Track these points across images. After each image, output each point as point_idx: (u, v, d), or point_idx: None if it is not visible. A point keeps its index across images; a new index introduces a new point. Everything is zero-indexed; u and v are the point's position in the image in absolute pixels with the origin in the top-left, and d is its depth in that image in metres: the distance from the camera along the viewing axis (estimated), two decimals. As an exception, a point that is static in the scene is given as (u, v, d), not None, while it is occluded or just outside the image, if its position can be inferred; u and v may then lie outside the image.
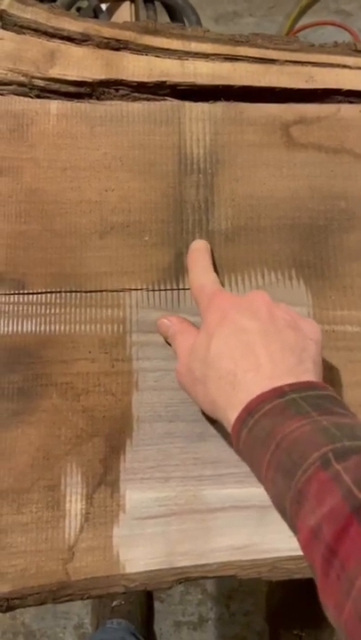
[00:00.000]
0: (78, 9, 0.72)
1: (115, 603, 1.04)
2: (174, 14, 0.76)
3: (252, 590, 1.08)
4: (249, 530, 0.36)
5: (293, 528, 0.27)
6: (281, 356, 0.31)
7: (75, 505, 0.36)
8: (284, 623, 1.03)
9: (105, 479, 0.37)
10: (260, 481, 0.29)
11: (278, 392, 0.29)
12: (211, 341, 0.33)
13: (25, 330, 0.39)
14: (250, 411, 0.29)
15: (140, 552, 0.35)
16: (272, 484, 0.28)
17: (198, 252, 0.40)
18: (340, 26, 1.41)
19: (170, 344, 0.39)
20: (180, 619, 1.08)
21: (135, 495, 0.36)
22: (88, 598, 0.35)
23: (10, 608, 0.35)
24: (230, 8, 1.48)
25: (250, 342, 0.31)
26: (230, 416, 0.30)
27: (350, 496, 0.24)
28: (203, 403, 0.33)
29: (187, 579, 0.35)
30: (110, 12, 0.70)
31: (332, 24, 1.43)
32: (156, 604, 1.08)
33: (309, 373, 0.31)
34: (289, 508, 0.27)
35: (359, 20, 1.48)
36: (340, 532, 0.24)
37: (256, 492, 0.37)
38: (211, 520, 0.36)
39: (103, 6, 0.72)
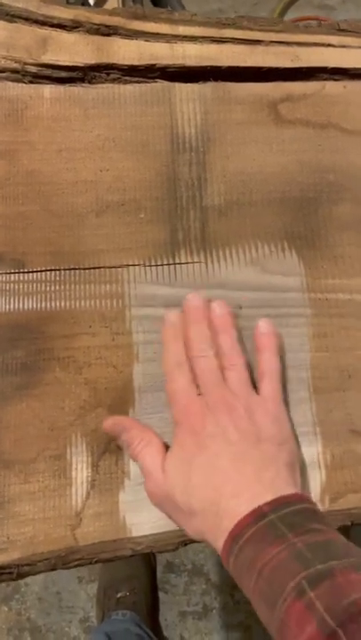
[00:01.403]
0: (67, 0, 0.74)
1: (120, 594, 1.05)
2: (160, 5, 0.77)
3: (255, 578, 1.09)
4: (251, 491, 0.37)
5: None
6: (256, 475, 0.33)
7: (81, 473, 0.37)
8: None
9: (109, 447, 0.38)
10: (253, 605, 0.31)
11: (258, 514, 0.31)
12: (190, 471, 0.34)
13: (26, 307, 0.40)
14: (234, 537, 0.31)
15: (145, 516, 0.36)
16: (260, 612, 0.30)
17: (171, 329, 0.39)
18: (323, 20, 1.44)
19: (120, 447, 0.38)
20: (185, 609, 1.09)
21: (139, 462, 0.37)
22: (97, 562, 0.36)
23: (20, 575, 0.35)
24: (215, 5, 1.50)
25: (226, 469, 0.33)
26: (218, 544, 0.32)
27: (324, 623, 0.26)
28: (189, 530, 0.35)
29: (191, 540, 0.36)
30: (98, 4, 0.72)
31: (316, 19, 1.46)
32: (161, 595, 1.09)
33: (285, 483, 0.33)
34: (275, 637, 0.28)
35: (342, 14, 1.50)
36: None
37: (256, 455, 0.38)
38: (213, 483, 0.37)
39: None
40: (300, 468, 0.36)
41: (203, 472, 0.34)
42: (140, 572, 1.07)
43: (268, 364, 0.38)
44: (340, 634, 0.25)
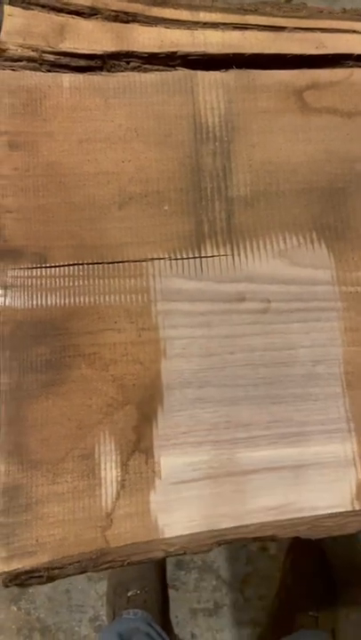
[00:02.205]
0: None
1: (130, 593, 1.04)
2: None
3: (265, 574, 1.09)
4: (285, 489, 0.36)
5: None
6: None
7: (110, 473, 0.36)
8: (300, 604, 1.04)
9: (139, 446, 0.37)
10: None
11: None
12: None
13: (50, 303, 0.39)
14: None
15: (177, 516, 0.35)
16: None
17: None
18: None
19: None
20: (196, 606, 1.08)
21: (170, 461, 0.36)
22: (128, 564, 0.35)
23: (50, 578, 0.34)
24: (217, -3, 1.48)
25: None
26: None
27: None
28: None
29: (226, 541, 0.35)
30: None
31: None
32: (172, 592, 1.08)
33: None
34: None
35: (347, 3, 1.48)
36: None
37: (290, 453, 0.37)
38: (246, 482, 0.36)
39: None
40: None
41: None
42: (150, 571, 1.06)
43: None
44: None
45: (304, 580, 1.06)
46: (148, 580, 1.04)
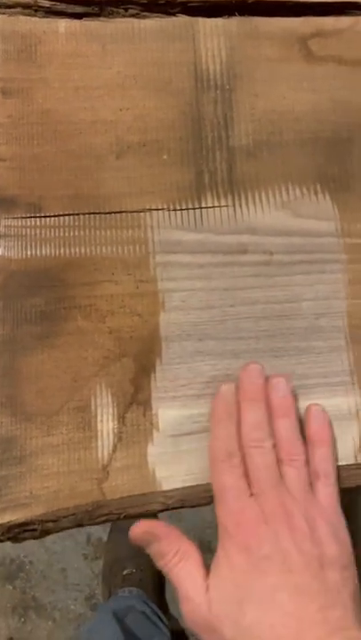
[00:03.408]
0: None
1: (125, 571, 1.03)
2: None
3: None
4: (287, 443, 0.35)
5: None
6: (322, 614, 0.28)
7: (106, 425, 0.35)
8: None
9: (136, 398, 0.35)
10: None
11: None
12: (242, 603, 0.29)
13: (44, 253, 0.37)
14: None
15: (176, 469, 0.34)
16: None
17: (223, 406, 0.34)
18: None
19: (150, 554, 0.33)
20: (192, 585, 1.08)
21: (168, 413, 0.35)
22: (125, 518, 0.34)
23: (44, 532, 0.33)
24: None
25: (287, 606, 0.28)
26: None
27: None
28: None
29: (226, 494, 0.34)
30: None
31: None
32: (168, 571, 1.08)
33: (353, 621, 0.28)
34: None
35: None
36: None
37: (292, 406, 0.36)
38: (247, 435, 0.35)
39: None
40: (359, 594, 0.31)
41: (258, 607, 0.28)
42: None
43: (323, 463, 0.33)
44: None
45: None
46: (143, 559, 1.04)
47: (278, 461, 0.32)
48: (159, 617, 0.96)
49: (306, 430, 0.34)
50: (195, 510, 0.32)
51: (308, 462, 0.33)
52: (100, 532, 1.09)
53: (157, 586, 1.06)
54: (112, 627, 0.83)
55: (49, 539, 1.09)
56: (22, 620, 1.07)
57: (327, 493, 0.32)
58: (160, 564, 0.32)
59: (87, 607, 1.08)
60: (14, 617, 1.07)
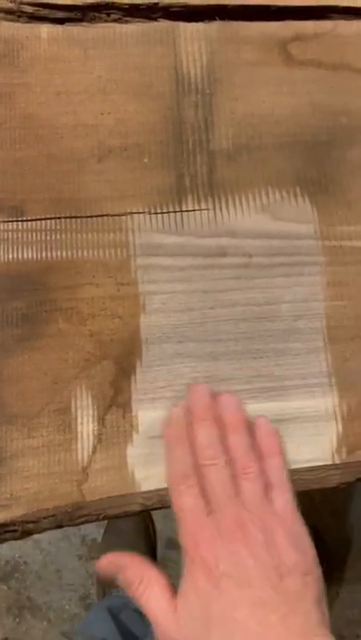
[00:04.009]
0: None
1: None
2: None
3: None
4: (265, 443, 0.35)
5: None
6: (283, 623, 0.29)
7: (86, 427, 0.35)
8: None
9: (116, 400, 0.36)
10: None
11: None
12: (208, 623, 0.29)
13: (26, 257, 0.38)
14: None
15: (155, 470, 0.35)
16: None
17: (175, 429, 0.34)
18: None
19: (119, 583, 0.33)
20: (187, 585, 1.08)
21: (148, 415, 0.36)
22: (104, 519, 0.34)
23: (25, 533, 0.34)
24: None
25: (247, 622, 0.29)
26: None
27: None
28: None
29: (204, 495, 0.34)
30: None
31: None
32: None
33: (316, 626, 0.29)
34: None
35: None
36: None
37: (270, 407, 0.36)
38: (226, 436, 0.36)
39: None
40: (324, 595, 0.31)
41: (222, 627, 0.29)
42: (140, 549, 1.06)
43: (275, 472, 0.33)
44: None
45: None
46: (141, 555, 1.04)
47: (233, 476, 0.32)
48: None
49: (256, 443, 0.34)
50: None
51: (261, 474, 0.33)
52: (95, 532, 1.09)
53: (152, 586, 1.06)
54: (107, 622, 0.84)
55: (44, 539, 1.09)
56: (17, 620, 1.07)
57: (283, 502, 0.32)
58: (129, 592, 0.32)
59: (82, 607, 1.08)
60: (9, 617, 1.08)
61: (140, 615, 0.93)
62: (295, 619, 0.28)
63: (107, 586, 1.04)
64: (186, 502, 0.32)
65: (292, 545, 0.31)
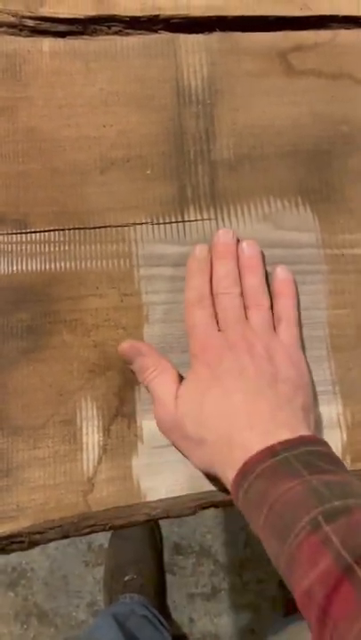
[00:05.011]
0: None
1: (127, 578, 1.04)
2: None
3: (264, 558, 1.08)
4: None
5: (290, 590, 0.27)
6: (271, 413, 0.32)
7: (91, 437, 0.35)
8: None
9: (121, 411, 0.36)
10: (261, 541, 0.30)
11: (271, 451, 0.30)
12: (203, 402, 0.33)
13: (30, 268, 0.38)
14: (244, 473, 0.30)
15: (160, 480, 0.35)
16: (268, 546, 0.29)
17: (196, 262, 0.38)
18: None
19: (133, 371, 0.37)
20: (194, 590, 1.08)
21: (152, 425, 0.36)
22: (110, 529, 0.34)
23: (32, 544, 0.34)
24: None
25: (240, 403, 0.32)
26: (227, 475, 0.31)
27: (339, 558, 0.25)
28: (196, 460, 0.34)
29: (210, 504, 0.35)
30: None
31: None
32: (169, 577, 1.08)
33: (301, 424, 0.32)
34: (284, 571, 0.27)
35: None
36: (331, 593, 0.25)
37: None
38: (230, 446, 0.36)
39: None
40: (314, 416, 0.35)
41: (216, 403, 0.33)
42: (147, 555, 1.06)
43: (285, 309, 0.37)
44: (357, 569, 0.24)
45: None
46: (144, 565, 1.04)
47: (245, 307, 0.36)
48: (160, 621, 0.96)
49: (272, 286, 0.38)
50: (196, 515, 0.34)
51: (272, 309, 0.37)
52: (102, 538, 1.09)
53: (159, 591, 1.06)
54: (113, 628, 0.84)
55: (50, 545, 1.10)
56: (24, 626, 1.07)
57: (289, 334, 0.36)
58: (141, 377, 0.36)
59: (89, 614, 1.08)
60: (16, 624, 1.08)
61: (147, 622, 0.93)
62: (282, 413, 0.32)
63: (114, 592, 1.04)
64: (198, 318, 0.36)
65: (290, 364, 0.34)
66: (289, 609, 1.03)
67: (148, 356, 0.35)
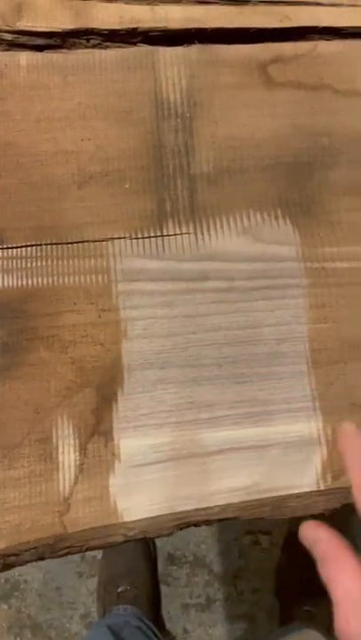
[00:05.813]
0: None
1: (120, 589, 1.03)
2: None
3: (259, 568, 1.08)
4: (249, 470, 0.35)
5: None
6: None
7: (68, 457, 0.35)
8: (295, 598, 1.02)
9: (98, 429, 0.36)
10: None
11: None
12: None
13: (6, 285, 0.38)
14: None
15: (138, 500, 0.34)
16: None
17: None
18: None
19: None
20: (188, 601, 1.07)
21: (130, 443, 0.35)
22: (87, 550, 0.34)
23: (6, 566, 0.33)
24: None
25: None
26: None
27: None
28: None
29: (188, 524, 0.34)
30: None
31: None
32: (163, 588, 1.07)
33: None
34: None
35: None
36: None
37: (254, 432, 0.36)
38: (209, 463, 0.35)
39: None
40: None
41: None
42: (141, 566, 1.05)
43: None
44: None
45: (299, 573, 1.05)
46: (138, 576, 1.03)
47: None
48: (154, 632, 0.95)
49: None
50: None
51: None
52: (95, 549, 1.08)
53: (153, 603, 1.05)
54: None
55: (44, 557, 1.09)
56: (18, 639, 1.06)
57: None
58: (321, 568, 0.30)
59: (82, 625, 1.07)
60: (10, 636, 1.07)
61: (141, 633, 0.92)
62: None
63: (107, 603, 1.03)
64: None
65: None
66: (286, 621, 1.02)
67: (323, 542, 0.30)
